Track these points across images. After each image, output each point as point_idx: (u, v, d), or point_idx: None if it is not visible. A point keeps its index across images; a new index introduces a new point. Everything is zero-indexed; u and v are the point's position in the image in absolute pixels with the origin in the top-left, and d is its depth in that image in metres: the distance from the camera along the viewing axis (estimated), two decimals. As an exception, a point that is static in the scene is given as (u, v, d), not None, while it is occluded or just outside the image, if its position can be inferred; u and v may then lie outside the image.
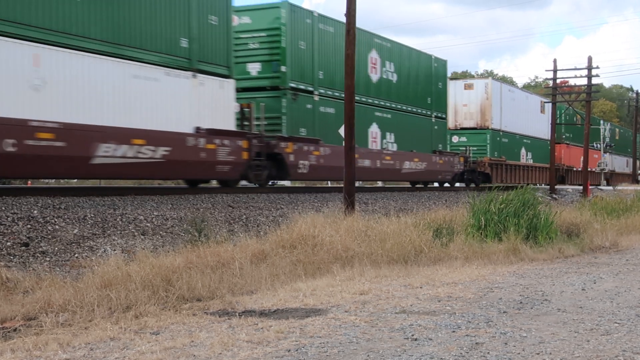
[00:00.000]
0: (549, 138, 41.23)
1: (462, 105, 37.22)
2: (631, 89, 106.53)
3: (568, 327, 6.74)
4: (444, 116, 32.73)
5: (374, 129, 26.58)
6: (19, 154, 13.43)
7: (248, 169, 19.79)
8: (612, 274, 10.71)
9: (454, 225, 14.70)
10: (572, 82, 49.69)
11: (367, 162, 25.46)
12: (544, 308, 7.74)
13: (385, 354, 5.69)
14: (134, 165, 16.08)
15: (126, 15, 16.00)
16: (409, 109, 29.33)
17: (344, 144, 16.57)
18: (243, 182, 21.61)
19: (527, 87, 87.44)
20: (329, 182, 31.42)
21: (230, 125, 19.18)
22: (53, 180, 26.64)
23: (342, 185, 16.17)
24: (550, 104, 40.05)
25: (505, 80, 70.02)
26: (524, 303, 8.02)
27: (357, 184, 24.91)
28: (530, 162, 42.64)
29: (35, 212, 12.41)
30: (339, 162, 20.56)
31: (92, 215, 12.92)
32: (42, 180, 27.02)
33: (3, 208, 12.25)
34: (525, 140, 42.51)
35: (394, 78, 28.03)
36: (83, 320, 7.04)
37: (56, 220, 12.13)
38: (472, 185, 34.83)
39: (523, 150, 42.30)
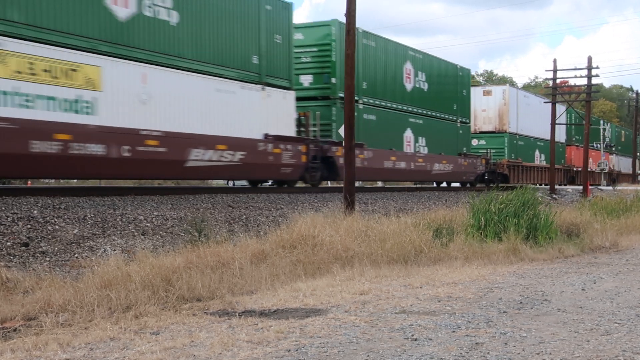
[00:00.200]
0: (562, 140, 43.72)
1: (482, 111, 39.38)
2: (631, 89, 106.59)
3: (568, 327, 6.74)
4: (467, 121, 34.94)
5: (408, 134, 28.94)
6: (132, 158, 16.02)
7: (305, 170, 22.24)
8: (612, 274, 10.71)
9: (454, 225, 14.69)
10: (572, 82, 49.74)
11: (402, 164, 27.94)
12: (544, 308, 7.74)
13: (385, 354, 5.69)
14: (218, 168, 18.58)
15: (210, 37, 18.48)
16: (438, 115, 31.56)
17: (344, 144, 16.58)
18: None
19: (527, 87, 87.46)
20: (379, 182, 34.21)
21: (292, 131, 21.73)
22: (53, 180, 26.72)
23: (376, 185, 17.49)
24: (550, 104, 40.43)
25: (506, 81, 70.14)
26: (524, 303, 8.02)
27: (384, 183, 29.60)
28: (544, 163, 44.85)
29: (35, 212, 12.41)
30: (380, 164, 25.29)
31: (92, 215, 12.93)
32: (42, 180, 27.07)
33: (3, 208, 12.25)
34: (539, 143, 44.69)
35: (425, 87, 30.33)
36: (83, 320, 7.04)
37: (56, 220, 12.14)
38: (492, 185, 36.25)
39: (537, 152, 44.60)
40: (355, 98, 23.07)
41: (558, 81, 41.92)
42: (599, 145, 57.14)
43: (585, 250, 14.28)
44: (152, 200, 15.75)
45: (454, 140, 33.05)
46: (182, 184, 29.98)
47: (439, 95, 31.59)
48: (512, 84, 64.49)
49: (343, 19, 16.82)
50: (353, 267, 10.51)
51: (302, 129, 22.71)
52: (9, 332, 6.71)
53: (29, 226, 11.56)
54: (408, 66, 29.00)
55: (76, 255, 11.01)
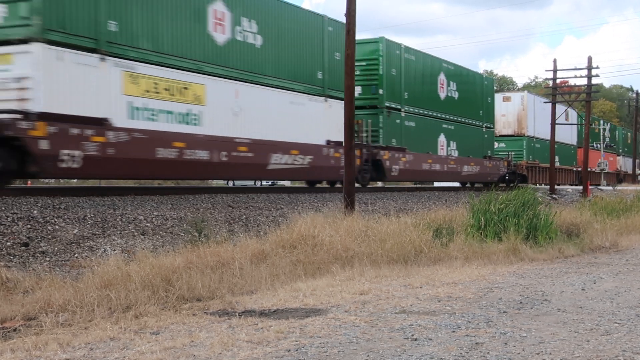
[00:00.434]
0: (573, 143, 46.63)
1: (501, 115, 41.94)
2: (631, 89, 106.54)
3: (568, 327, 6.74)
4: (491, 126, 37.78)
5: (442, 139, 31.56)
6: (228, 162, 18.72)
7: (359, 172, 24.44)
8: (612, 274, 10.72)
9: (454, 225, 14.70)
10: (572, 82, 49.93)
11: (437, 166, 30.66)
12: (544, 308, 7.74)
13: (385, 354, 5.69)
14: (291, 170, 21.41)
15: (286, 57, 21.36)
16: (466, 120, 34.22)
17: (344, 144, 16.57)
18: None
19: (527, 87, 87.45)
20: (430, 182, 36.93)
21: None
22: (53, 180, 26.86)
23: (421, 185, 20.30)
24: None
25: (506, 81, 70.28)
26: (524, 303, 8.03)
27: (408, 183, 31.85)
28: (558, 164, 47.36)
29: (35, 212, 12.41)
30: (419, 166, 28.69)
31: (92, 215, 12.93)
32: (42, 180, 27.12)
33: (3, 208, 12.25)
34: (554, 146, 46.46)
35: (456, 95, 32.97)
36: (83, 320, 7.04)
37: (56, 220, 12.14)
38: (512, 185, 38.67)
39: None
40: (398, 107, 27.79)
41: (558, 81, 42.05)
42: (596, 144, 58.05)
43: (585, 250, 14.28)
44: (152, 200, 15.75)
45: (480, 143, 35.84)
46: (182, 184, 30.00)
47: (467, 103, 34.24)
48: (512, 83, 64.89)
49: (390, 37, 18.92)
50: (353, 267, 10.51)
51: (355, 135, 24.33)
52: (9, 332, 6.71)
53: (29, 226, 11.56)
54: (441, 77, 31.57)
55: (76, 255, 11.01)
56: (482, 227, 14.18)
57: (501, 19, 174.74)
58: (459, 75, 33.67)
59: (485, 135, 36.66)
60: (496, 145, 40.86)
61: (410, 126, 28.67)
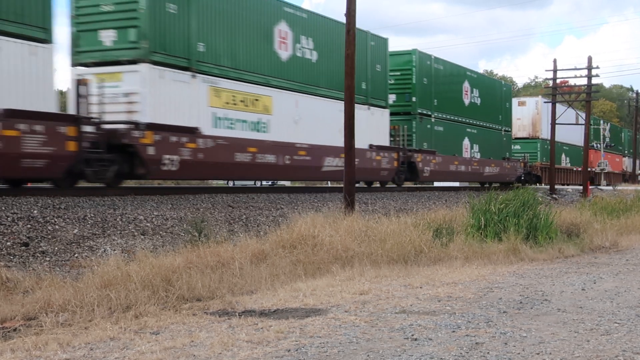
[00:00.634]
0: (582, 144, 47.81)
1: (517, 119, 44.34)
2: (631, 89, 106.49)
3: (568, 327, 6.74)
4: (509, 129, 40.60)
5: (466, 142, 34.40)
6: (290, 165, 21.44)
7: (396, 173, 27.92)
8: (612, 274, 10.71)
9: (454, 225, 14.69)
10: (572, 82, 50.03)
11: (462, 168, 33.58)
12: (544, 308, 7.74)
13: (385, 354, 5.69)
14: (341, 172, 23.23)
15: (336, 69, 22.87)
16: (488, 125, 37.10)
17: (344, 144, 16.56)
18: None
19: (527, 87, 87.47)
20: (462, 183, 40.03)
21: (387, 142, 27.56)
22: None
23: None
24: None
25: (506, 81, 70.51)
26: (524, 303, 8.02)
27: (441, 184, 35.33)
28: (569, 165, 51.48)
29: (35, 212, 12.41)
30: (447, 168, 31.66)
31: (92, 215, 12.92)
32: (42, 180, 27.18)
33: (3, 208, 12.25)
34: (565, 147, 50.49)
35: (478, 102, 35.82)
36: (83, 320, 7.04)
37: (56, 220, 12.14)
38: (527, 184, 41.05)
39: (563, 156, 50.31)
40: (429, 113, 30.75)
41: (558, 81, 42.11)
42: (597, 144, 59.35)
43: (585, 250, 14.27)
44: (152, 200, 15.75)
45: (499, 146, 38.68)
46: (182, 183, 30.05)
47: (488, 108, 37.06)
48: (512, 84, 65.61)
49: (422, 49, 22.45)
50: (353, 267, 10.51)
51: (392, 139, 28.44)
52: (9, 332, 6.70)
53: (29, 226, 11.56)
54: (466, 85, 34.49)
55: (76, 255, 11.01)
56: (482, 227, 14.18)
57: (501, 19, 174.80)
58: (481, 82, 36.65)
59: (504, 138, 39.49)
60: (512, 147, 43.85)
61: (439, 130, 31.48)
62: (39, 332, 6.58)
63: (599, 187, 49.52)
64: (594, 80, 40.14)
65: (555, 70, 39.99)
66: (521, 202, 14.87)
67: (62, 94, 24.89)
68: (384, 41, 27.48)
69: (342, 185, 24.53)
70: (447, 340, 6.13)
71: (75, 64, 17.53)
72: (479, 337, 6.24)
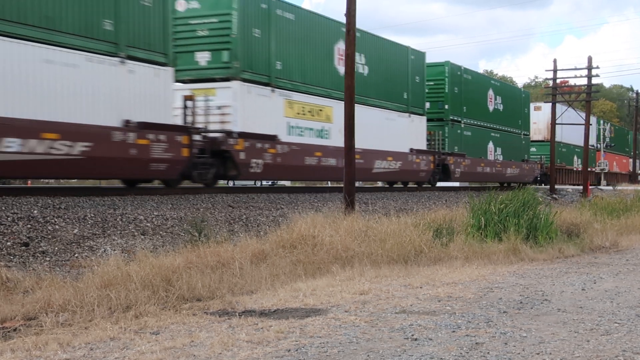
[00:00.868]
0: (591, 147, 51.04)
1: (533, 123, 46.85)
2: (631, 89, 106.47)
3: (568, 327, 6.74)
4: (527, 133, 43.67)
5: (490, 146, 37.31)
6: (340, 167, 22.19)
7: (432, 175, 30.79)
8: (612, 274, 10.71)
9: (454, 225, 14.69)
10: (572, 82, 50.20)
11: (488, 169, 36.57)
12: (544, 308, 7.74)
13: (385, 354, 5.69)
14: (387, 173, 27.23)
15: (383, 81, 27.00)
16: (509, 129, 39.86)
17: (344, 144, 16.56)
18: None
19: (527, 87, 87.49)
20: (487, 183, 40.98)
21: (424, 146, 30.47)
22: (53, 180, 27.13)
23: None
24: (549, 104, 41.92)
25: (506, 81, 70.78)
26: (524, 303, 8.02)
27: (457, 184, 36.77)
28: (580, 167, 53.45)
29: (35, 212, 12.41)
30: (475, 169, 34.87)
31: (92, 215, 12.92)
32: (42, 180, 27.23)
33: (3, 208, 12.25)
34: (576, 150, 53.07)
35: (501, 108, 38.63)
36: (83, 320, 7.04)
37: (56, 220, 12.13)
38: (542, 185, 44.93)
39: (575, 157, 53.62)
40: (459, 119, 33.81)
41: (558, 81, 42.18)
42: (597, 145, 60.75)
43: (586, 250, 14.27)
44: (152, 200, 15.75)
45: (519, 149, 41.60)
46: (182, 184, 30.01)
47: (510, 114, 39.92)
48: (512, 83, 66.15)
49: (454, 61, 27.32)
50: (353, 267, 10.51)
51: (428, 143, 31.37)
52: (9, 332, 6.70)
53: (29, 226, 11.56)
54: (490, 92, 37.47)
55: (76, 255, 11.00)
56: (482, 227, 14.18)
57: (501, 19, 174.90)
58: (503, 90, 39.77)
59: (523, 142, 42.48)
60: None
61: (468, 135, 34.58)
62: (39, 332, 6.58)
63: (599, 187, 49.68)
64: (594, 80, 40.16)
65: (555, 70, 40.00)
66: (521, 202, 14.87)
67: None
68: (422, 55, 30.67)
69: (365, 185, 25.89)
70: (447, 340, 6.13)
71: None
72: (479, 337, 6.24)
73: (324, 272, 10.24)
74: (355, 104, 23.04)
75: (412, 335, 6.33)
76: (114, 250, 11.32)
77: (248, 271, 9.66)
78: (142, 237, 12.56)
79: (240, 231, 13.99)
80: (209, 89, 19.43)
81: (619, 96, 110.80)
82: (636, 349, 5.85)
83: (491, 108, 37.51)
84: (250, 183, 30.28)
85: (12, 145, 13.32)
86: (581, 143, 51.82)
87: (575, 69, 42.44)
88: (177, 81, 18.89)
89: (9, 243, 10.73)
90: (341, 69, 23.68)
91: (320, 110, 23.27)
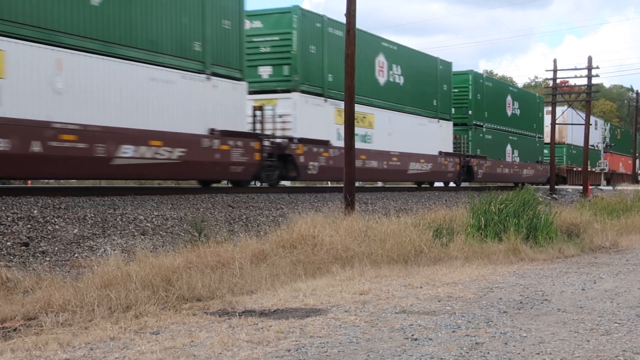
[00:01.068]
0: (599, 148, 56.62)
1: (545, 126, 48.36)
2: (631, 89, 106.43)
3: (568, 327, 6.74)
4: (541, 136, 46.13)
5: (508, 148, 39.94)
6: (386, 169, 27.00)
7: (457, 175, 33.53)
8: (612, 274, 10.71)
9: (454, 225, 14.68)
10: (572, 82, 50.38)
11: (506, 170, 39.28)
12: (544, 308, 7.74)
13: (385, 354, 5.69)
14: (420, 174, 30.18)
15: (416, 90, 29.67)
16: (525, 132, 42.47)
17: (344, 144, 16.55)
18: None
19: (527, 87, 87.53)
20: (498, 183, 42.95)
21: (450, 149, 33.26)
22: (53, 180, 27.24)
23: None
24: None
25: (506, 81, 71.01)
26: (524, 303, 8.02)
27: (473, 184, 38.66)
28: (590, 168, 55.53)
29: (35, 212, 12.41)
30: (495, 170, 37.29)
31: (92, 215, 12.92)
32: (42, 180, 27.27)
33: (3, 208, 12.25)
34: (602, 154, 57.58)
35: (518, 112, 41.16)
36: (83, 320, 7.04)
37: (56, 220, 12.13)
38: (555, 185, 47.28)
39: (602, 160, 56.85)
40: (481, 124, 36.55)
41: (558, 81, 42.25)
42: (606, 146, 62.93)
43: (586, 250, 14.27)
44: (152, 200, 15.74)
45: (534, 151, 44.12)
46: (182, 184, 30.05)
47: (525, 118, 42.30)
48: (512, 83, 66.83)
49: (477, 70, 27.90)
50: (353, 267, 10.51)
51: (454, 147, 34.39)
52: (9, 332, 6.70)
53: (29, 226, 11.56)
54: (508, 98, 40.12)
55: (76, 255, 11.00)
56: (482, 227, 14.18)
57: (502, 19, 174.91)
58: (520, 95, 42.57)
59: (537, 144, 45.11)
60: None
61: (489, 139, 37.22)
62: (39, 332, 6.58)
63: (599, 187, 49.79)
64: (594, 80, 40.17)
65: (555, 70, 40.02)
66: (521, 202, 14.86)
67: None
68: (449, 64, 33.32)
69: (365, 185, 26.53)
70: (447, 340, 6.13)
71: None
72: (479, 337, 6.25)
73: (324, 272, 10.24)
74: (393, 111, 27.78)
75: (412, 335, 6.33)
76: (114, 250, 11.32)
77: (248, 271, 9.66)
78: (142, 237, 12.56)
79: (240, 231, 13.99)
80: (271, 99, 22.00)
81: (619, 96, 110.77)
82: (636, 349, 5.85)
83: (509, 113, 40.11)
84: (225, 183, 32.24)
85: (128, 151, 15.71)
86: (599, 146, 56.73)
87: (575, 69, 42.65)
88: None
89: (9, 243, 10.73)
90: (381, 79, 27.07)
91: (364, 117, 25.57)
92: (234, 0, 19.39)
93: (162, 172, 17.46)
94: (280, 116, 21.71)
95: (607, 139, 63.44)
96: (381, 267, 10.72)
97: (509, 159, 39.82)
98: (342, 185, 16.45)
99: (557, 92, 41.77)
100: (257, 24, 22.42)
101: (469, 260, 11.81)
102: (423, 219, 14.68)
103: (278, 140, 21.24)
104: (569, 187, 46.71)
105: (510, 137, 40.14)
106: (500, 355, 5.64)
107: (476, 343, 6.03)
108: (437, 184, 34.11)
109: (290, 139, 21.47)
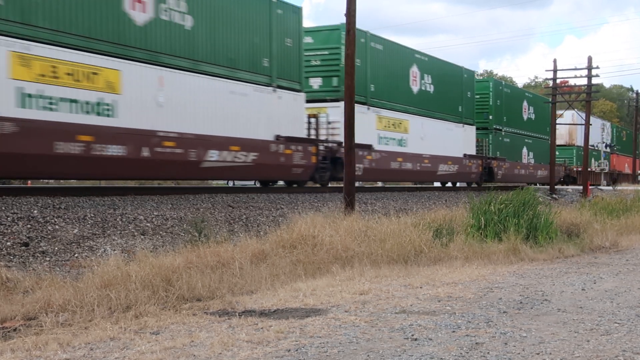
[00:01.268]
0: (606, 149, 59.21)
1: (557, 129, 50.11)
2: (631, 89, 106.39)
3: (568, 327, 6.74)
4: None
5: (524, 150, 42.53)
6: (420, 170, 29.70)
7: (480, 176, 35.90)
8: (612, 274, 10.71)
9: (454, 225, 14.68)
10: (572, 82, 50.32)
11: (522, 171, 41.75)
12: (544, 308, 7.74)
13: (385, 354, 5.69)
14: (447, 175, 32.72)
15: (444, 97, 31.86)
16: (539, 135, 44.84)
17: (344, 144, 16.54)
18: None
19: (527, 87, 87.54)
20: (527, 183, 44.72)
21: (474, 151, 35.41)
22: (53, 180, 27.29)
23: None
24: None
25: (506, 81, 71.26)
26: (524, 303, 8.02)
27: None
28: (597, 168, 60.07)
29: (35, 212, 12.41)
30: (512, 171, 39.91)
31: (92, 215, 12.92)
32: (42, 180, 27.27)
33: (3, 208, 12.25)
34: (594, 153, 57.58)
35: (533, 117, 43.69)
36: (83, 320, 7.04)
37: (56, 220, 12.13)
38: (565, 185, 50.46)
39: (592, 160, 57.53)
40: (500, 128, 38.79)
41: (558, 81, 42.24)
42: (606, 146, 63.97)
43: (586, 250, 14.27)
44: (152, 200, 15.74)
45: (547, 153, 44.99)
46: (182, 184, 30.09)
47: (540, 121, 44.63)
48: (512, 84, 67.24)
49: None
50: (353, 267, 10.51)
51: (476, 149, 36.57)
52: (9, 332, 6.70)
53: (29, 226, 11.56)
54: (525, 104, 42.67)
55: (76, 255, 11.00)
56: (482, 227, 14.17)
57: (502, 19, 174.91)
58: (534, 100, 44.64)
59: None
60: None
61: (507, 142, 39.61)
62: (39, 332, 6.58)
63: (599, 187, 49.88)
64: (594, 80, 40.15)
65: (555, 70, 40.01)
66: (521, 202, 14.86)
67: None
68: (472, 73, 36.19)
69: (365, 185, 26.75)
70: (447, 340, 6.13)
71: None
72: (479, 337, 6.25)
73: (324, 272, 10.24)
74: (424, 117, 30.06)
75: (412, 335, 6.33)
76: (114, 250, 11.32)
77: (248, 271, 9.66)
78: (142, 237, 12.56)
79: (240, 231, 13.99)
80: (321, 107, 24.47)
81: (619, 96, 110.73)
82: (636, 349, 5.85)
83: (525, 117, 42.74)
84: (250, 183, 32.69)
85: (213, 155, 18.22)
86: (600, 147, 58.61)
87: (575, 69, 42.67)
88: None
89: (9, 243, 10.73)
90: (414, 88, 29.49)
91: (400, 123, 28.16)
92: (294, 20, 21.79)
93: (238, 174, 20.00)
94: (330, 123, 24.08)
95: (608, 140, 63.80)
96: (381, 267, 10.72)
97: (524, 161, 42.43)
98: (388, 184, 17.45)
99: (557, 92, 41.74)
100: (309, 39, 24.43)
101: (469, 260, 11.81)
102: (423, 219, 14.67)
103: (330, 145, 23.66)
104: (569, 187, 46.78)
105: (526, 140, 42.68)
106: (500, 355, 5.64)
107: (476, 343, 6.03)
108: (459, 184, 36.82)
109: (339, 144, 23.14)
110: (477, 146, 36.16)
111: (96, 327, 6.71)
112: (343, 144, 22.28)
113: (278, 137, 20.69)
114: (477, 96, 36.40)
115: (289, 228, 11.98)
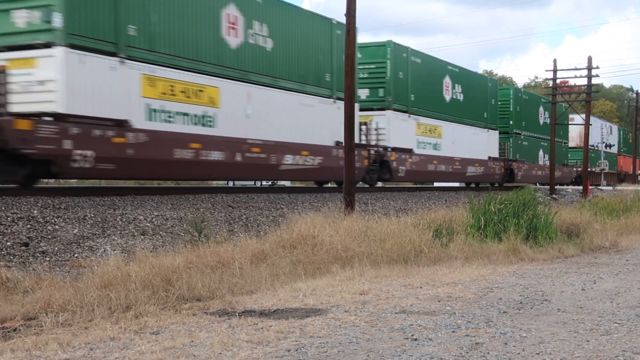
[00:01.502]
0: (614, 151, 62.59)
1: (569, 132, 53.79)
2: (631, 89, 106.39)
3: (568, 327, 6.74)
4: (567, 141, 51.91)
5: (541, 153, 45.92)
6: (451, 172, 32.95)
7: (502, 177, 38.75)
8: (612, 274, 10.71)
9: (454, 225, 14.67)
10: (572, 82, 50.18)
11: (539, 172, 44.77)
12: (544, 308, 7.74)
13: (385, 354, 5.69)
14: (475, 176, 35.91)
15: (473, 105, 35.03)
16: (555, 139, 45.09)
17: (344, 144, 16.54)
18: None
19: (527, 87, 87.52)
20: (537, 184, 47.26)
21: (497, 154, 38.41)
22: (53, 180, 27.31)
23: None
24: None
25: (506, 81, 71.34)
26: (524, 303, 8.02)
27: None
28: (607, 169, 63.36)
29: (35, 212, 12.41)
30: (531, 173, 43.42)
31: (92, 215, 12.92)
32: (42, 180, 27.28)
33: (3, 208, 12.24)
34: (595, 153, 60.52)
35: (548, 121, 45.63)
36: (83, 320, 7.04)
37: (56, 220, 12.13)
38: (575, 186, 52.71)
39: (602, 161, 61.74)
40: (519, 132, 42.26)
41: (558, 81, 42.22)
42: (605, 146, 64.60)
43: (585, 250, 14.27)
44: (152, 200, 15.74)
45: (560, 155, 48.32)
46: (182, 184, 30.07)
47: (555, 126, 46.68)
48: (512, 84, 67.60)
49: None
50: (353, 267, 10.51)
51: (499, 152, 39.62)
52: (9, 332, 6.70)
53: (29, 226, 11.55)
54: (541, 109, 46.03)
55: (76, 255, 11.00)
56: (482, 227, 14.17)
57: (502, 19, 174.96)
58: (549, 107, 45.36)
59: (563, 149, 50.52)
60: None
61: (525, 145, 42.95)
62: (39, 332, 6.58)
63: (599, 187, 49.90)
64: (594, 80, 40.14)
65: (555, 70, 40.01)
66: (521, 202, 14.86)
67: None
68: (496, 82, 40.30)
69: (365, 186, 26.87)
70: (447, 340, 6.13)
71: None
72: (479, 337, 6.25)
73: (324, 272, 10.24)
74: (455, 123, 33.11)
75: (412, 335, 6.33)
76: (114, 250, 11.32)
77: (248, 271, 9.66)
78: (142, 237, 12.56)
79: (240, 231, 13.98)
80: (368, 116, 26.93)
81: (619, 96, 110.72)
82: (636, 349, 5.85)
83: (541, 122, 45.77)
84: (250, 183, 34.59)
85: (289, 159, 21.17)
86: (605, 148, 60.81)
87: (575, 69, 42.52)
88: None
89: (9, 243, 10.73)
90: (447, 97, 32.35)
91: (435, 129, 31.05)
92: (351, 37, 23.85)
93: (307, 175, 23.53)
94: (377, 129, 26.64)
95: (607, 140, 64.00)
96: (381, 267, 10.72)
97: (541, 162, 45.58)
98: (434, 185, 18.64)
99: (557, 92, 41.75)
100: (357, 54, 26.25)
101: (469, 260, 11.81)
102: (423, 219, 14.67)
103: (378, 149, 26.21)
104: (569, 187, 46.85)
105: (542, 143, 45.50)
106: (500, 355, 5.64)
107: (476, 343, 6.03)
108: (482, 184, 39.11)
109: (385, 148, 26.50)
110: (499, 149, 39.04)
111: (96, 327, 6.71)
112: (389, 149, 26.81)
113: (338, 143, 22.88)
114: (499, 103, 39.14)
115: (289, 228, 11.97)
